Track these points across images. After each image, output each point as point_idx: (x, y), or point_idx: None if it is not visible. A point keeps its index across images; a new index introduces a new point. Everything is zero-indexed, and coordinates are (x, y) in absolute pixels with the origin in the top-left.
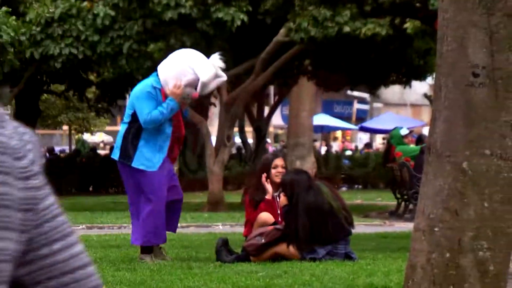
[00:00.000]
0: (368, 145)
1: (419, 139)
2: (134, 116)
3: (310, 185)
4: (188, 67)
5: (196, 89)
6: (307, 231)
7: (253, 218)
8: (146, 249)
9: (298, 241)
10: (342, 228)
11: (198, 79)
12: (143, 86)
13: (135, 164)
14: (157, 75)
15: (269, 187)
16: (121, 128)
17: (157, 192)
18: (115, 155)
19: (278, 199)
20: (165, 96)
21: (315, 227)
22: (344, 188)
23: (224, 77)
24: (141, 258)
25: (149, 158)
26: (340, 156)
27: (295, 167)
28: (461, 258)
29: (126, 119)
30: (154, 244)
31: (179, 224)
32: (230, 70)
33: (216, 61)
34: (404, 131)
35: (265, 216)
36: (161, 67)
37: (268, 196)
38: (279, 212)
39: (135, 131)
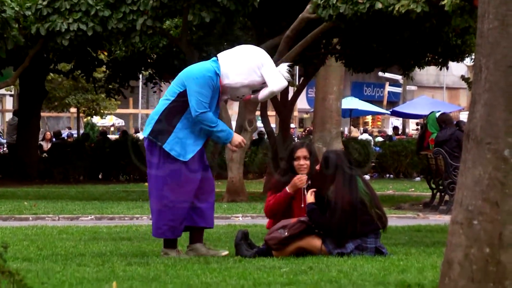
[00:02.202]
0: (396, 129)
1: (443, 121)
2: (181, 96)
3: (351, 175)
4: (257, 69)
5: (252, 92)
6: (344, 227)
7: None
8: (170, 243)
9: (331, 236)
10: (372, 223)
11: (261, 84)
12: (205, 69)
13: (167, 146)
14: (217, 61)
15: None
16: (160, 103)
17: (182, 184)
18: (146, 132)
19: (305, 192)
20: (222, 87)
21: (347, 221)
22: (374, 178)
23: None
24: (164, 252)
25: (183, 145)
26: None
27: (341, 149)
28: (502, 254)
29: (170, 96)
30: (168, 237)
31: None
32: None
33: (284, 72)
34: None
35: None
36: (224, 57)
37: (289, 190)
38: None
39: (177, 111)
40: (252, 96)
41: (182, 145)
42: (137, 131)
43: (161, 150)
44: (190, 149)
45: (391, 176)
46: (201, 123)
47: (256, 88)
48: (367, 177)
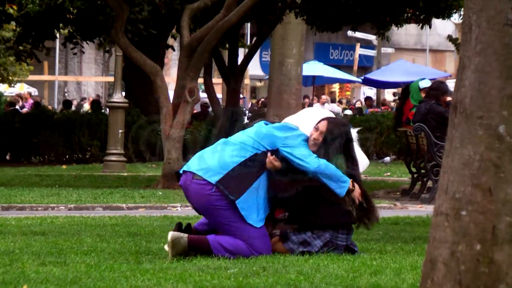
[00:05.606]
0: (369, 100)
1: (433, 90)
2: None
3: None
4: None
5: None
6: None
7: None
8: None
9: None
10: (346, 214)
11: None
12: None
13: (240, 204)
14: None
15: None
16: (230, 157)
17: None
18: (213, 177)
19: None
20: None
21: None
22: None
23: None
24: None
25: (258, 208)
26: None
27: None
28: (495, 251)
29: (246, 153)
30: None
31: (124, 205)
32: (194, 2)
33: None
34: (425, 83)
35: None
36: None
37: None
38: None
39: (257, 167)
40: None
41: (258, 207)
42: (67, 104)
43: (230, 204)
44: (262, 215)
45: None
46: (325, 170)
47: None
48: None
